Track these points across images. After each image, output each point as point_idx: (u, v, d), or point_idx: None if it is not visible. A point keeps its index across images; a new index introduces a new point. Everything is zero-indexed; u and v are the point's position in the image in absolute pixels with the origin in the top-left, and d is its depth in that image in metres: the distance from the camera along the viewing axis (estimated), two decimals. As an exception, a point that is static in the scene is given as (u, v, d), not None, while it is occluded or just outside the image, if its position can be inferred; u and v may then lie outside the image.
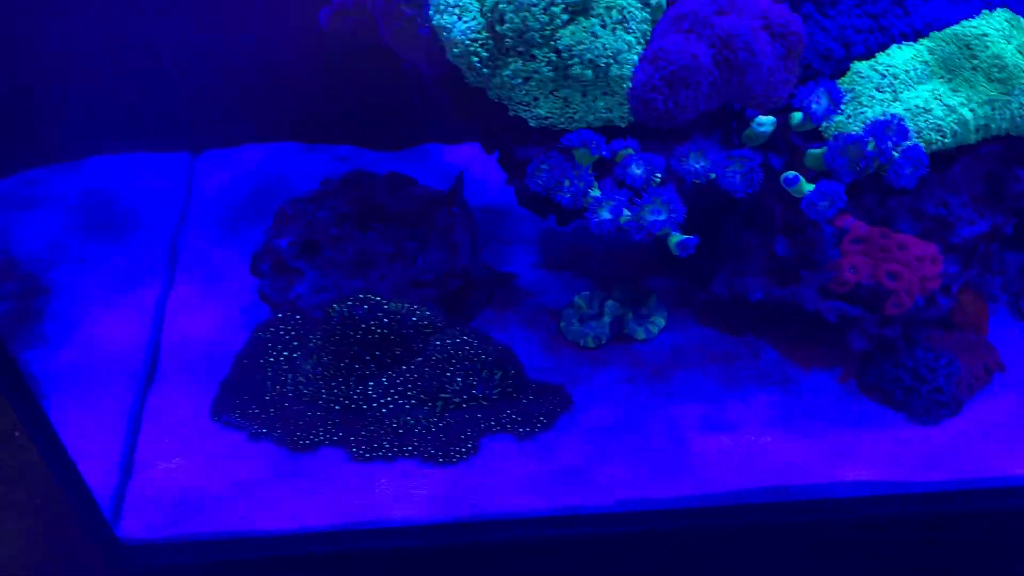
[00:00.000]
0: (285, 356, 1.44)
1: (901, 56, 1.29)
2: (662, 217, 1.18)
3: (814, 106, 1.22)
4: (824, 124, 1.28)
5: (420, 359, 1.39)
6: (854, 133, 1.24)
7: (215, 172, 1.84)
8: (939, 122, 1.26)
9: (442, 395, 1.39)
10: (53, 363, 1.48)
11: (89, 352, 1.49)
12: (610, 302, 1.54)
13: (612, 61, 1.19)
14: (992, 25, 1.30)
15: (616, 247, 1.70)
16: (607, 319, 1.53)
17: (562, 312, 1.56)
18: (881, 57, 1.29)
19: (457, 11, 1.20)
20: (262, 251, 1.52)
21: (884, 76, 1.28)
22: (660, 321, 1.56)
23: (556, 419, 1.43)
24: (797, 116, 1.26)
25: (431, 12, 1.22)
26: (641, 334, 1.54)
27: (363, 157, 1.88)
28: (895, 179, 1.23)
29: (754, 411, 1.47)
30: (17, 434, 1.31)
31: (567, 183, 1.21)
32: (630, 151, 1.21)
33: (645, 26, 1.21)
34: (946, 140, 1.27)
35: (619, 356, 1.54)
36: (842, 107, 1.25)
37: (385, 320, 1.36)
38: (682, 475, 1.38)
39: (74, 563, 1.38)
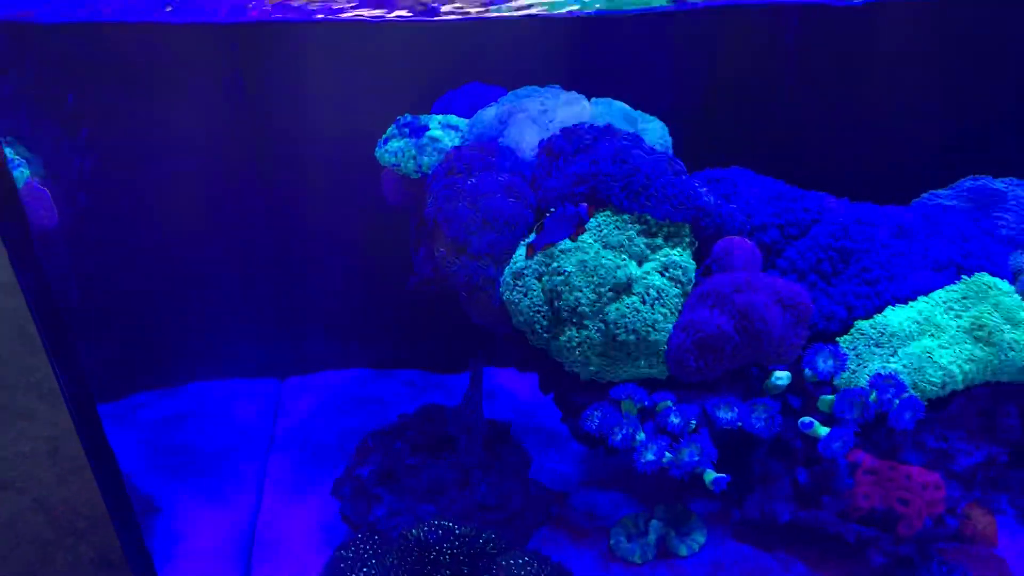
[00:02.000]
0: (364, 572, 1.62)
1: (896, 317, 1.53)
2: (697, 458, 1.39)
3: (820, 366, 1.45)
4: (833, 377, 1.51)
5: (484, 575, 1.57)
6: (859, 388, 1.47)
7: (300, 396, 2.09)
8: (931, 377, 1.48)
9: (505, 611, 1.55)
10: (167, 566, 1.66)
11: (194, 559, 1.68)
12: (654, 521, 1.72)
13: (651, 330, 1.44)
14: (971, 289, 1.54)
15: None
16: (652, 537, 1.71)
17: (611, 530, 1.74)
18: (878, 318, 1.54)
19: (523, 289, 1.47)
20: (343, 476, 1.74)
21: (883, 334, 1.52)
22: (700, 538, 1.73)
23: (607, 633, 1.58)
24: (808, 372, 1.49)
25: (502, 290, 1.49)
26: (683, 550, 1.71)
27: (427, 379, 2.13)
28: (896, 423, 1.44)
29: (788, 624, 1.61)
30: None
31: (618, 429, 1.43)
32: (669, 403, 1.44)
33: (677, 300, 1.47)
34: (936, 391, 1.48)
35: (664, 571, 1.70)
36: (847, 364, 1.49)
37: (456, 543, 1.55)
38: None
39: None
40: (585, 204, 1.39)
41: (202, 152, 1.78)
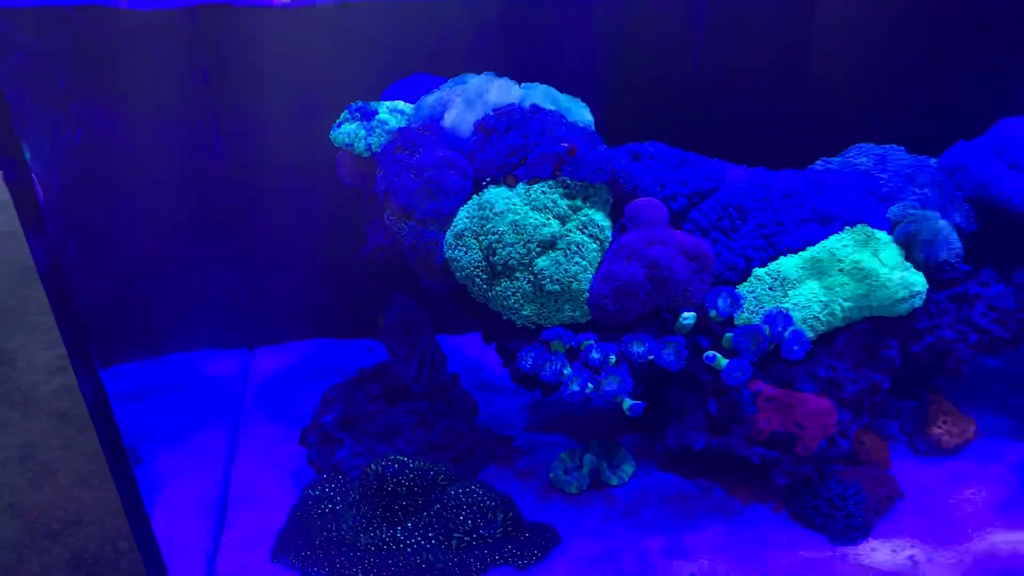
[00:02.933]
0: (330, 509, 1.82)
1: (787, 264, 1.77)
2: (615, 387, 1.61)
3: (720, 305, 1.68)
4: (733, 316, 1.74)
5: (438, 506, 1.77)
6: (754, 324, 1.70)
7: (268, 363, 2.28)
8: (817, 314, 1.72)
9: (455, 535, 1.76)
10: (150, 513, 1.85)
11: (174, 509, 1.87)
12: (588, 456, 1.94)
13: (573, 280, 1.66)
14: (853, 237, 1.79)
15: (589, 414, 2.12)
16: (586, 469, 1.93)
17: (550, 465, 1.96)
18: (773, 265, 1.77)
19: (464, 248, 1.68)
20: (310, 426, 1.94)
21: (775, 279, 1.76)
22: (629, 469, 1.95)
23: (548, 552, 1.80)
24: (712, 312, 1.72)
25: (445, 249, 1.70)
26: (614, 480, 1.93)
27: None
28: (787, 354, 1.67)
29: (706, 539, 1.83)
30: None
31: (547, 365, 1.65)
32: (590, 342, 1.66)
33: (595, 254, 1.69)
34: (823, 327, 1.72)
35: (597, 499, 1.92)
36: (743, 304, 1.72)
37: (410, 475, 1.75)
38: (650, 595, 1.73)
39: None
40: (566, 145, 1.60)
41: (174, 136, 1.96)
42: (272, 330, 2.32)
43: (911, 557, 1.75)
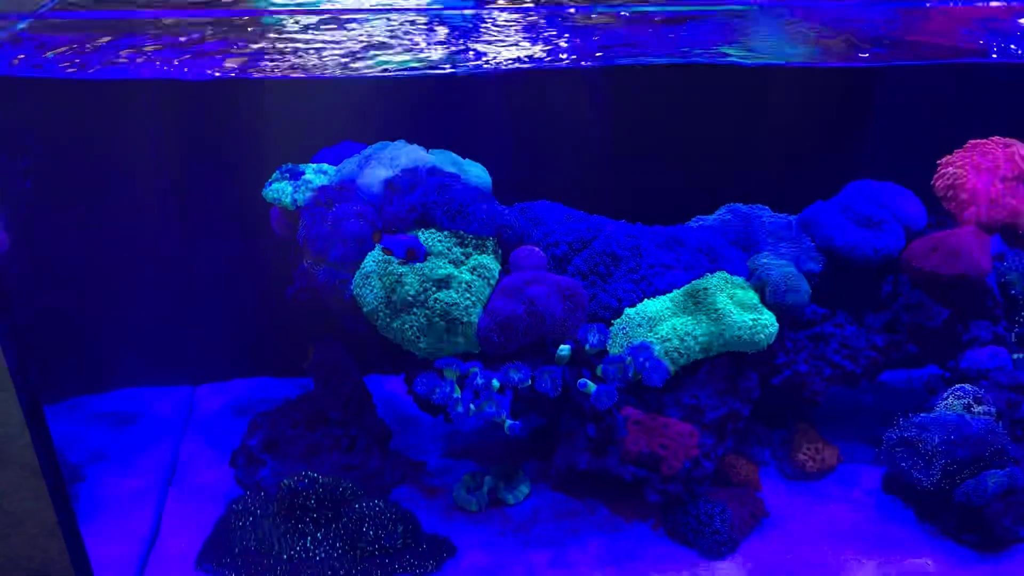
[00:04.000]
0: (250, 522, 2.03)
1: (653, 305, 2.03)
2: (494, 409, 1.85)
3: (591, 339, 1.94)
4: (603, 349, 1.99)
5: (344, 519, 1.99)
6: (618, 355, 1.95)
7: (211, 399, 2.52)
8: (677, 347, 1.97)
9: (359, 545, 1.97)
10: (84, 532, 2.05)
11: (111, 522, 2.07)
12: (488, 477, 2.17)
13: (464, 314, 1.91)
14: (711, 282, 2.05)
15: (496, 442, 2.35)
16: (485, 489, 2.14)
17: (454, 487, 2.18)
18: (639, 306, 2.03)
19: (369, 287, 1.94)
20: (238, 449, 2.16)
21: (643, 318, 2.02)
22: (525, 489, 2.17)
23: (443, 563, 2.00)
24: (587, 346, 1.97)
25: (353, 287, 1.96)
26: (511, 499, 2.15)
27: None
28: (648, 381, 1.92)
29: (589, 553, 2.04)
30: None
31: (438, 390, 1.89)
32: (475, 369, 1.90)
33: (484, 292, 1.95)
34: (682, 359, 1.97)
35: (495, 517, 2.14)
36: (611, 339, 1.97)
37: (319, 490, 1.97)
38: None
39: None
40: (418, 240, 1.88)
41: (127, 189, 2.24)
42: (215, 369, 2.56)
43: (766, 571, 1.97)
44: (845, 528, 2.10)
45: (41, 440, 1.73)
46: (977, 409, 2.01)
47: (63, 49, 1.78)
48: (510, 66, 2.07)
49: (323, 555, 1.97)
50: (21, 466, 2.45)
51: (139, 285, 2.36)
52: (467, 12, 2.02)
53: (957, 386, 2.06)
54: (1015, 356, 2.13)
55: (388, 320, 1.94)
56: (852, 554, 2.03)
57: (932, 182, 2.19)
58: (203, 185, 2.33)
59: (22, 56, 1.74)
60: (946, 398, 2.05)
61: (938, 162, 2.20)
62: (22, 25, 1.62)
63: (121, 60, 1.84)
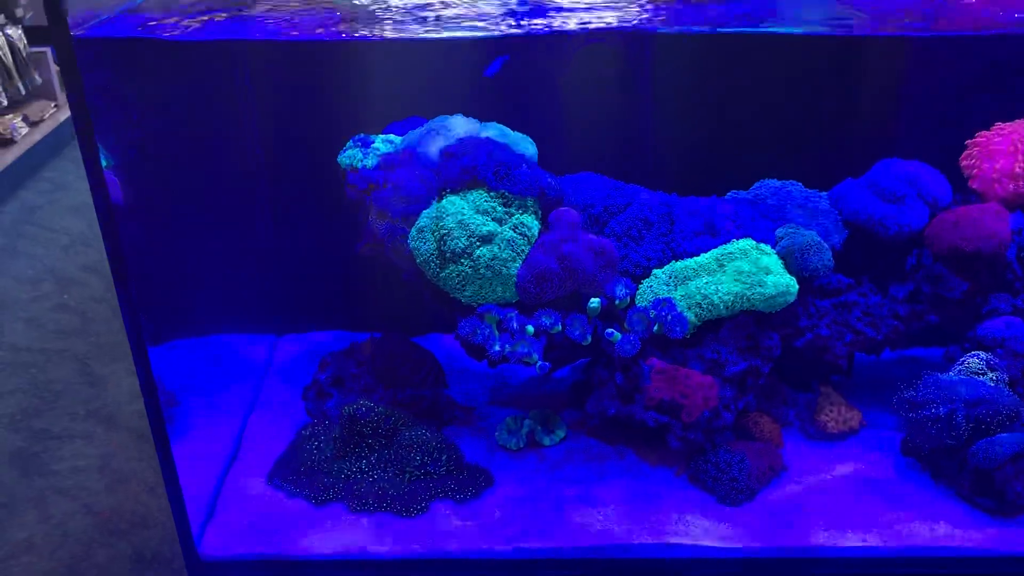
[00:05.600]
0: (315, 444, 2.31)
1: (681, 265, 2.21)
2: (526, 349, 2.07)
3: (618, 292, 2.13)
4: (630, 303, 2.18)
5: (395, 446, 2.24)
6: (643, 307, 2.14)
7: (291, 346, 2.83)
8: (699, 302, 2.14)
9: (408, 469, 2.22)
10: (176, 447, 2.38)
11: (199, 440, 2.39)
12: (527, 420, 2.38)
13: (504, 267, 2.15)
14: (737, 246, 2.21)
15: (538, 393, 2.56)
16: (524, 431, 2.36)
17: (497, 427, 2.40)
18: (667, 266, 2.22)
19: (422, 239, 2.20)
20: (309, 384, 2.45)
21: (671, 277, 2.20)
22: (561, 433, 2.38)
23: (482, 491, 2.23)
24: (617, 300, 2.17)
25: (409, 241, 2.22)
26: (547, 441, 2.36)
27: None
28: (669, 332, 2.10)
29: (614, 492, 2.23)
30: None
31: (478, 331, 2.13)
32: (512, 315, 2.13)
33: (524, 248, 2.18)
34: (704, 313, 2.14)
35: (531, 456, 2.35)
36: (639, 295, 2.16)
37: (375, 418, 2.24)
38: (560, 534, 2.12)
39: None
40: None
41: (221, 149, 2.57)
42: (296, 321, 2.88)
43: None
44: (861, 486, 2.22)
45: (153, 409, 2.01)
46: (990, 375, 2.10)
47: (172, 20, 2.08)
48: (559, 28, 2.23)
49: (376, 476, 2.23)
50: (128, 430, 2.83)
51: (230, 241, 2.69)
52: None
53: (972, 352, 2.16)
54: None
55: (438, 270, 2.19)
56: (865, 510, 2.14)
57: (959, 160, 2.29)
58: (287, 153, 2.64)
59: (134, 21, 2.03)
60: (961, 363, 2.15)
61: (966, 142, 2.29)
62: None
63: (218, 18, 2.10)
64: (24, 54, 5.15)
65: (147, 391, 2.10)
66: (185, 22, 2.06)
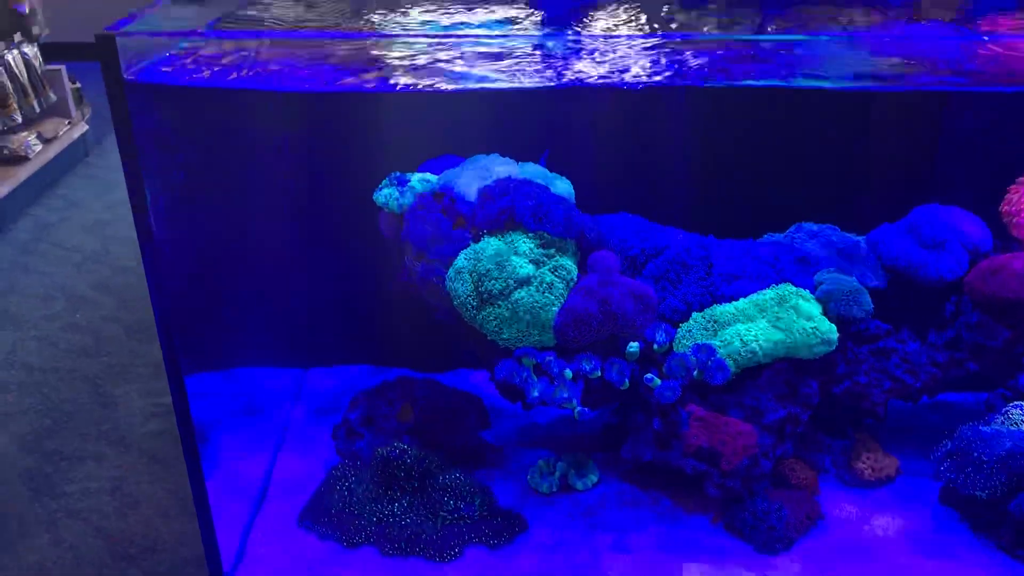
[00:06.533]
0: (346, 487, 2.28)
1: (720, 310, 2.19)
2: (566, 394, 2.05)
3: (658, 337, 2.11)
4: (669, 348, 2.16)
5: (429, 489, 2.21)
6: (683, 353, 2.12)
7: (318, 381, 2.81)
8: (739, 350, 2.12)
9: (441, 513, 2.19)
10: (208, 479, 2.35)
11: (229, 480, 2.36)
12: (560, 464, 2.36)
13: (542, 310, 2.13)
14: (777, 292, 2.20)
15: (570, 435, 2.54)
16: (557, 475, 2.34)
17: (529, 470, 2.38)
18: (707, 311, 2.20)
19: (460, 280, 2.18)
20: (340, 423, 2.43)
21: (710, 321, 2.18)
22: (594, 478, 2.35)
23: (515, 537, 2.20)
24: (655, 346, 2.15)
25: (447, 282, 2.20)
26: (580, 486, 2.33)
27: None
28: (709, 379, 2.08)
29: (649, 539, 2.20)
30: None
31: (515, 375, 2.10)
32: (550, 359, 2.11)
33: (562, 291, 2.16)
34: (743, 361, 2.12)
35: (564, 501, 2.32)
36: (677, 340, 2.14)
37: (408, 461, 2.21)
38: (595, 582, 2.10)
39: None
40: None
41: (252, 183, 2.55)
42: (324, 355, 2.85)
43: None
44: (898, 535, 2.19)
45: (188, 434, 2.01)
46: (1034, 426, 2.08)
47: (211, 61, 2.08)
48: (597, 81, 2.24)
49: (409, 519, 2.20)
50: (140, 451, 2.80)
51: (259, 277, 2.67)
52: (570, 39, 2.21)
53: (1015, 403, 2.14)
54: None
55: (475, 312, 2.17)
56: (904, 560, 2.12)
57: (999, 207, 2.28)
58: (320, 190, 2.63)
59: (179, 66, 2.04)
60: (1004, 413, 2.13)
61: (1007, 188, 2.28)
62: (184, 45, 1.93)
63: (257, 70, 2.12)
64: (39, 72, 5.14)
65: (185, 435, 2.09)
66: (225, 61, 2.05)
